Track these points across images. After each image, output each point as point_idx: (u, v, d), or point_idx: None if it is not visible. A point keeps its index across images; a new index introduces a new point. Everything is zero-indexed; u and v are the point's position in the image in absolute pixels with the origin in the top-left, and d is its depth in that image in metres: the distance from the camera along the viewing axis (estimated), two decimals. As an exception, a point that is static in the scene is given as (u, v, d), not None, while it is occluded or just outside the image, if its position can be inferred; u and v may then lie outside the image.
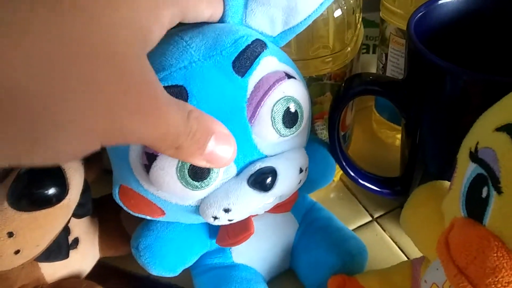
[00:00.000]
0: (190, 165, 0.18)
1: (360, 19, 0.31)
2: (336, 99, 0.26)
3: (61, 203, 0.23)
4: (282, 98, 0.20)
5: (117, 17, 0.14)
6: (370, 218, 0.34)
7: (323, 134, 0.32)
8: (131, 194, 0.21)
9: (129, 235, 0.30)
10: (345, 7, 0.27)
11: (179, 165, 0.18)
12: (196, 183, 0.19)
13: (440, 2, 0.25)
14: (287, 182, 0.21)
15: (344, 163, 0.29)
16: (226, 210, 0.21)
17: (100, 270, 0.31)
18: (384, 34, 0.34)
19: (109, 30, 0.14)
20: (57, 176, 0.22)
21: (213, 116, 0.19)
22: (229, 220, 0.21)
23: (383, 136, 0.40)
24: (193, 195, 0.20)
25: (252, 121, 0.20)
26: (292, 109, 0.21)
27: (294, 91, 0.21)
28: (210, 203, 0.21)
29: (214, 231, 0.25)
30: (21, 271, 0.25)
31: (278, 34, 0.22)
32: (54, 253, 0.25)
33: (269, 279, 0.28)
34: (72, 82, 0.13)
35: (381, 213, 0.34)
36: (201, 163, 0.17)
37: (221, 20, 0.21)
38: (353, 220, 0.34)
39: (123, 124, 0.14)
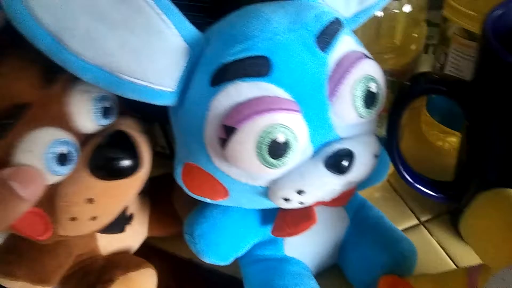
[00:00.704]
0: (270, 141, 0.18)
1: (425, 17, 0.30)
2: (400, 97, 0.26)
3: (136, 175, 0.23)
4: (364, 77, 0.20)
5: None
6: (417, 222, 0.33)
7: (378, 131, 0.31)
8: (196, 173, 0.21)
9: (179, 217, 0.30)
10: (415, 3, 0.26)
11: (259, 140, 0.18)
12: (274, 160, 0.19)
13: (518, 2, 0.24)
14: (362, 166, 0.21)
15: (399, 164, 0.28)
16: (299, 192, 0.20)
17: (143, 249, 0.32)
18: (445, 34, 0.33)
19: None
20: (132, 149, 0.23)
21: (293, 91, 0.19)
22: (300, 203, 0.21)
23: (432, 139, 0.39)
24: (267, 174, 0.20)
25: (332, 99, 0.20)
26: (373, 89, 0.20)
27: (375, 71, 0.20)
28: (283, 184, 0.20)
29: (268, 221, 0.25)
30: (80, 240, 0.26)
31: (350, 16, 0.22)
32: (113, 226, 0.25)
33: (316, 273, 0.28)
34: None
35: (429, 217, 0.33)
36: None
37: None
38: (399, 222, 0.33)
39: None
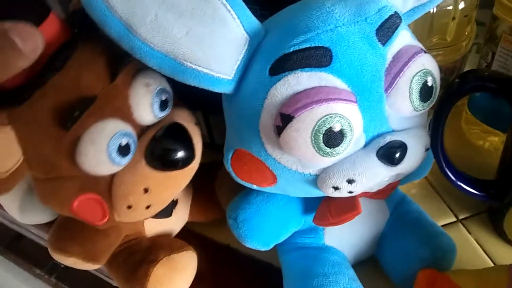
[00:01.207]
0: (326, 130, 0.19)
1: (475, 14, 0.30)
2: (448, 94, 0.26)
3: (190, 165, 0.24)
4: (421, 70, 0.20)
5: None
6: (455, 219, 0.33)
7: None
8: (247, 159, 0.22)
9: (219, 204, 0.31)
10: (468, 1, 0.26)
11: (315, 128, 0.18)
12: (328, 149, 0.19)
13: None
14: (414, 158, 0.21)
15: (443, 162, 0.28)
16: (350, 181, 0.21)
17: (183, 234, 0.33)
18: (494, 32, 0.32)
19: None
20: (187, 141, 0.24)
21: (352, 82, 0.19)
22: (349, 192, 0.21)
23: (472, 137, 0.38)
24: (320, 162, 0.20)
25: (389, 91, 0.20)
26: (430, 83, 0.20)
27: (432, 66, 0.21)
28: (334, 172, 0.21)
29: (310, 210, 0.26)
30: (130, 223, 0.27)
31: (407, 12, 0.22)
32: (162, 211, 0.27)
33: (353, 264, 0.29)
34: None
35: (467, 215, 0.33)
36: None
37: None
38: (436, 218, 0.32)
39: None
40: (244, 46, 0.20)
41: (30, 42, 0.19)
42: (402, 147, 0.20)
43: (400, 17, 0.20)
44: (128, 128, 0.22)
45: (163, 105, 0.24)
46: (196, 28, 0.19)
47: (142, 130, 0.24)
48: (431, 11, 0.26)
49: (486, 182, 0.30)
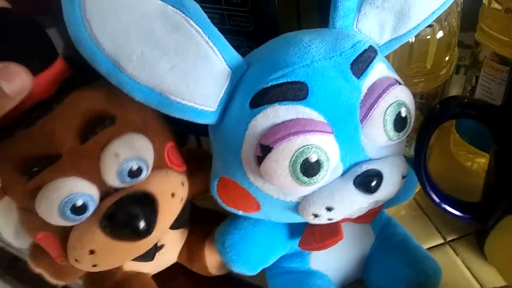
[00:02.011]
0: (303, 160, 0.19)
1: (456, 42, 0.31)
2: (428, 120, 0.27)
3: (144, 240, 0.23)
4: (395, 102, 0.21)
5: None
6: (443, 241, 0.34)
7: (406, 151, 0.32)
8: (231, 187, 0.23)
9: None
10: (447, 29, 0.27)
11: (293, 159, 0.19)
12: (306, 179, 0.20)
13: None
14: (390, 186, 0.22)
15: (427, 184, 0.29)
16: (329, 209, 0.21)
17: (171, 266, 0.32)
18: (477, 57, 0.33)
19: None
20: (150, 213, 0.23)
21: (328, 114, 0.20)
22: (329, 219, 0.22)
23: (461, 159, 0.39)
24: (299, 191, 0.21)
25: (364, 122, 0.21)
26: (403, 114, 0.21)
27: (405, 97, 0.21)
28: (314, 200, 0.21)
29: (296, 234, 0.26)
30: None
31: (384, 43, 0.23)
32: (141, 257, 0.26)
33: (340, 287, 0.29)
34: None
35: (455, 236, 0.34)
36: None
37: (332, 24, 0.22)
38: (424, 240, 0.33)
39: None
40: (226, 79, 0.21)
41: (16, 83, 0.19)
42: (378, 176, 0.21)
43: (375, 50, 0.21)
44: (89, 189, 0.22)
45: (134, 173, 0.23)
46: (180, 64, 0.20)
47: (109, 190, 0.23)
48: (410, 41, 0.26)
49: (471, 204, 0.31)
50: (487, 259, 0.31)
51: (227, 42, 0.21)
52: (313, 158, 0.19)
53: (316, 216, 0.22)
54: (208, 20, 0.20)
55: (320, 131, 0.20)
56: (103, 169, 0.22)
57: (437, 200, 0.30)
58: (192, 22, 0.20)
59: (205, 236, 0.30)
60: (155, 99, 0.21)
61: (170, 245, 0.30)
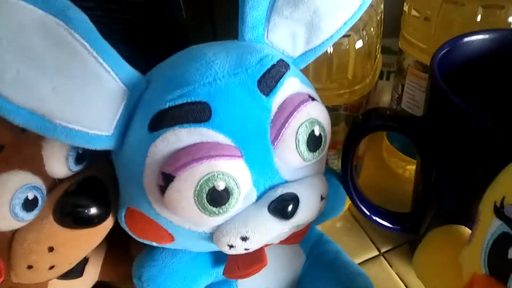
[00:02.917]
0: (209, 189, 0.17)
1: (380, 49, 0.30)
2: (351, 133, 0.26)
3: (103, 223, 0.22)
4: (307, 120, 0.19)
5: None
6: (377, 253, 0.33)
7: (334, 164, 0.31)
8: (139, 218, 0.21)
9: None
10: (366, 38, 0.26)
11: (198, 189, 0.17)
12: (214, 209, 0.18)
13: (465, 40, 0.25)
14: (308, 209, 0.21)
15: (355, 197, 0.28)
16: (244, 239, 0.20)
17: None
18: (401, 65, 0.33)
19: None
20: (102, 197, 0.22)
21: (235, 136, 0.18)
22: (245, 249, 0.20)
23: (393, 166, 0.39)
24: (209, 222, 0.19)
25: (275, 144, 0.19)
26: (317, 133, 0.20)
27: (319, 114, 0.20)
28: (227, 230, 0.20)
29: (220, 261, 0.24)
30: (30, 284, 0.24)
31: (298, 56, 0.22)
32: (72, 271, 0.25)
33: (272, 312, 0.27)
34: None
35: (389, 247, 0.33)
36: None
37: (242, 36, 0.21)
38: (359, 253, 0.33)
39: None
40: (122, 99, 0.19)
41: None
42: (294, 200, 0.20)
43: (286, 64, 0.20)
44: (36, 181, 0.21)
45: (79, 158, 0.22)
46: (64, 84, 0.18)
47: (53, 184, 0.22)
48: (329, 52, 0.25)
49: (401, 214, 0.30)
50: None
51: (120, 57, 0.19)
52: (221, 186, 0.18)
53: (231, 247, 0.20)
54: (97, 33, 0.18)
55: (227, 156, 0.18)
56: (49, 157, 0.21)
57: (367, 212, 0.29)
58: (76, 35, 0.17)
59: (128, 238, 0.28)
60: (37, 124, 0.18)
61: (94, 258, 0.28)
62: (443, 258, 0.22)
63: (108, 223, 0.23)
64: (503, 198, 0.16)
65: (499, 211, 0.16)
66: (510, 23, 0.27)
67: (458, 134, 0.22)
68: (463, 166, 0.23)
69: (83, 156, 0.23)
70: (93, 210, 0.22)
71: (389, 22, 0.34)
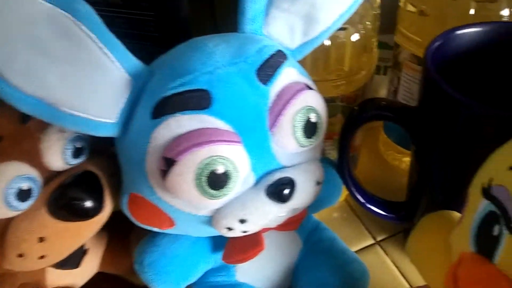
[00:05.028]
0: (209, 172, 0.18)
1: (376, 43, 0.31)
2: (348, 123, 0.27)
3: (95, 217, 0.23)
4: (304, 107, 0.20)
5: None
6: (373, 241, 0.34)
7: (331, 154, 0.32)
8: (141, 203, 0.21)
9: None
10: (363, 32, 0.27)
11: (198, 172, 0.18)
12: (213, 191, 0.19)
13: (458, 32, 0.26)
14: (304, 194, 0.21)
15: (351, 186, 0.29)
16: (242, 221, 0.20)
17: (98, 274, 0.31)
18: (397, 59, 0.34)
19: None
20: (96, 191, 0.23)
21: (234, 122, 0.19)
22: (243, 232, 0.21)
23: (389, 158, 0.40)
24: (208, 204, 0.20)
25: (273, 130, 0.20)
26: (313, 119, 0.21)
27: (315, 102, 0.21)
28: (225, 213, 0.20)
29: (219, 247, 0.25)
30: (28, 271, 0.25)
31: (296, 47, 0.23)
32: (69, 261, 0.25)
33: (269, 297, 0.28)
34: None
35: (384, 236, 0.34)
36: None
37: (241, 28, 0.22)
38: (355, 242, 0.34)
39: None
40: (127, 88, 0.20)
41: None
42: (290, 184, 0.21)
43: (284, 54, 0.21)
44: (32, 172, 0.21)
45: (77, 152, 0.23)
46: (72, 73, 0.18)
47: (50, 176, 0.22)
48: (327, 44, 0.26)
49: (396, 203, 0.31)
50: (414, 257, 0.32)
51: (125, 48, 0.19)
52: (220, 170, 0.18)
53: (229, 229, 0.21)
54: (103, 25, 0.19)
55: (227, 141, 0.19)
56: (46, 150, 0.21)
57: (362, 200, 0.30)
58: (83, 27, 0.18)
59: (129, 231, 0.30)
60: (45, 112, 0.19)
61: (93, 249, 0.29)
62: (435, 241, 0.22)
63: (101, 218, 0.24)
64: (491, 180, 0.17)
65: (486, 192, 0.17)
66: (502, 16, 0.28)
67: (450, 123, 0.23)
68: (455, 154, 0.24)
69: (80, 150, 0.23)
70: (88, 204, 0.22)
71: (387, 18, 0.35)
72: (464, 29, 0.25)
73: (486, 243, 0.16)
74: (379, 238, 0.34)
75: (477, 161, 0.19)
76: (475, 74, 0.27)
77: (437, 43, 0.25)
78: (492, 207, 0.16)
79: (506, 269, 0.15)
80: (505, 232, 0.15)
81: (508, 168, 0.16)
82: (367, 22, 0.27)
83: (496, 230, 0.16)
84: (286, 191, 0.20)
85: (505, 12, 0.28)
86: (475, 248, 0.17)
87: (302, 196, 0.21)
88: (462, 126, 0.22)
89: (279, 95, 0.20)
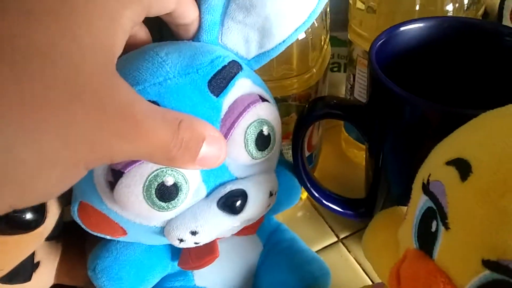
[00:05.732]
0: (158, 184, 0.18)
1: (327, 40, 0.31)
2: (298, 121, 0.26)
3: (36, 230, 0.22)
4: (256, 120, 0.20)
5: (80, 40, 0.14)
6: (336, 239, 0.34)
7: (289, 154, 0.32)
8: (92, 212, 0.21)
9: None
10: (309, 30, 0.27)
11: (146, 184, 0.18)
12: (163, 204, 0.18)
13: (402, 28, 0.26)
14: (256, 205, 0.21)
15: (308, 184, 0.29)
16: (193, 233, 0.20)
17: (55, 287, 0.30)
18: (351, 56, 0.34)
19: (75, 56, 0.13)
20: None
21: None
22: (195, 243, 0.21)
23: (351, 155, 0.40)
24: (159, 216, 0.20)
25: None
26: (265, 132, 0.20)
27: (268, 114, 0.21)
28: (177, 225, 0.20)
29: (176, 253, 0.25)
30: None
31: (252, 58, 0.22)
32: (18, 276, 0.24)
33: (231, 302, 0.28)
34: (48, 120, 0.13)
35: (347, 234, 0.34)
36: (194, 167, 0.17)
37: (197, 38, 0.21)
38: (319, 240, 0.34)
39: (108, 147, 0.14)
40: None
41: None
42: (242, 196, 0.20)
43: (238, 65, 0.20)
44: None
45: None
46: None
47: None
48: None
49: (355, 200, 0.31)
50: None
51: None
52: (169, 182, 0.18)
53: (181, 240, 0.21)
54: None
55: None
56: None
57: (320, 198, 0.30)
58: None
59: (83, 240, 0.29)
60: None
61: (47, 261, 0.28)
62: (386, 237, 0.22)
63: (43, 230, 0.23)
64: (429, 175, 0.17)
65: (425, 187, 0.17)
66: (447, 11, 0.28)
67: (396, 119, 0.23)
68: (404, 150, 0.24)
69: None
70: (28, 215, 0.21)
71: (343, 15, 0.35)
72: (408, 25, 0.26)
73: (426, 239, 0.16)
74: (342, 236, 0.34)
75: (424, 157, 0.19)
76: (421, 69, 0.27)
77: (381, 40, 0.25)
78: (430, 203, 0.16)
79: (443, 265, 0.15)
80: (441, 227, 0.15)
81: (444, 163, 0.16)
82: (314, 21, 0.27)
83: (434, 226, 0.16)
84: (238, 203, 0.20)
85: (449, 7, 0.28)
86: (418, 244, 0.17)
87: (254, 207, 0.21)
88: (407, 122, 0.22)
89: (232, 108, 0.20)
